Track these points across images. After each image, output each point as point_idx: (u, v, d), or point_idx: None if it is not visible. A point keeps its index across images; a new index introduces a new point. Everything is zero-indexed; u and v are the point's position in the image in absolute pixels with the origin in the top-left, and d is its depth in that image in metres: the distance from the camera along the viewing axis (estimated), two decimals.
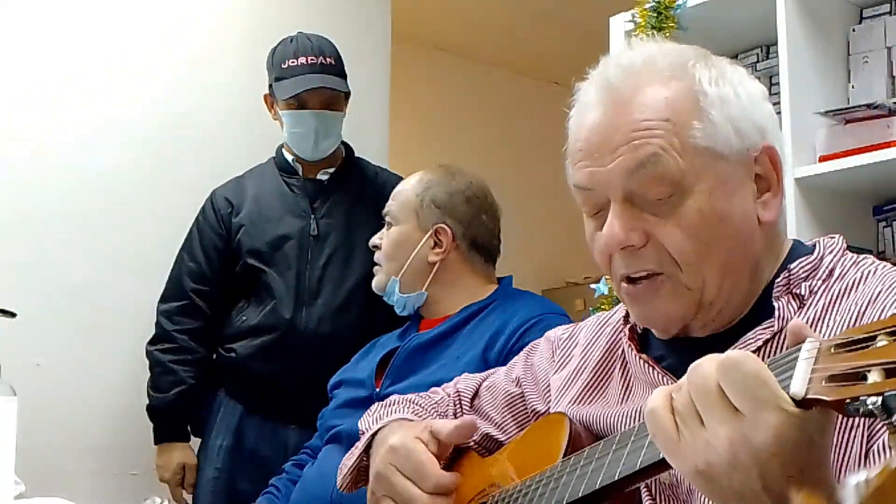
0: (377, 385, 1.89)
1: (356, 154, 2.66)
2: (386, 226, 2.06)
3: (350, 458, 1.32)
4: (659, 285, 1.00)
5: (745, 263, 1.00)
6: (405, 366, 1.87)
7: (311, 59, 2.48)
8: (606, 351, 1.17)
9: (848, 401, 0.67)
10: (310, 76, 2.46)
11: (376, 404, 1.42)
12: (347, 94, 2.56)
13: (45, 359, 2.65)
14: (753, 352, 0.96)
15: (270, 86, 2.55)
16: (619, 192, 0.99)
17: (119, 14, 2.91)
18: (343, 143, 2.68)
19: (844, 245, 1.05)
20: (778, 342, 0.97)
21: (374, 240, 2.08)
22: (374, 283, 2.08)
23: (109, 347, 2.77)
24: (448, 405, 1.38)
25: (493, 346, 1.78)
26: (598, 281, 2.13)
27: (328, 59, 2.50)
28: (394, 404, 1.38)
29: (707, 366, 0.76)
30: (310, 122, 2.48)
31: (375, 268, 2.08)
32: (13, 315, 1.61)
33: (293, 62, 2.49)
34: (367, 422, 1.37)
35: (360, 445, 1.31)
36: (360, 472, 1.30)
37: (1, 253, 2.63)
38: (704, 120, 0.98)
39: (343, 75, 2.53)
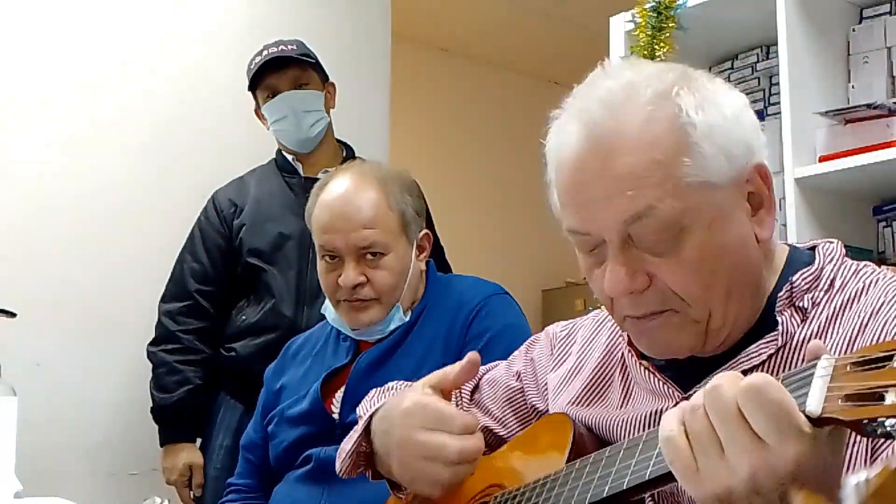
0: (328, 409, 1.78)
1: (357, 155, 2.66)
2: (368, 257, 1.77)
3: (349, 442, 1.30)
4: (666, 320, 0.98)
5: (747, 286, 0.99)
6: (362, 387, 1.72)
7: (271, 50, 2.56)
8: (605, 353, 1.17)
9: (865, 421, 0.67)
10: (266, 60, 2.54)
11: (374, 390, 1.40)
12: (325, 78, 2.62)
13: (45, 359, 2.65)
14: (757, 366, 0.96)
15: (255, 98, 2.62)
16: (615, 236, 0.96)
17: (119, 15, 2.91)
18: (343, 143, 2.68)
19: (843, 251, 1.04)
20: (782, 357, 0.96)
21: (354, 278, 1.76)
22: (365, 321, 1.79)
23: (109, 347, 2.77)
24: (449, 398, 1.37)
25: (450, 348, 1.75)
26: None
27: (289, 47, 2.56)
28: (392, 388, 1.38)
29: (727, 390, 0.75)
30: (284, 104, 2.53)
31: (357, 304, 1.78)
32: (13, 315, 1.62)
33: (256, 59, 2.57)
34: (365, 406, 1.36)
35: (358, 428, 1.29)
36: (360, 456, 1.29)
37: (1, 253, 2.63)
38: (694, 154, 0.94)
39: (309, 56, 2.57)
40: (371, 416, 1.27)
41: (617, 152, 0.94)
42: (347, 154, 2.65)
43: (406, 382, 1.39)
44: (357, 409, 1.39)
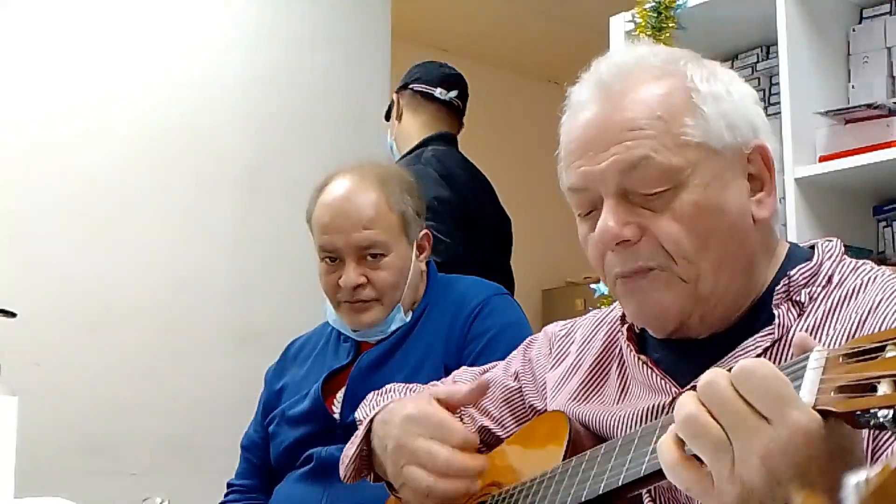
0: (329, 409, 1.78)
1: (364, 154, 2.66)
2: (368, 258, 1.76)
3: (351, 448, 1.30)
4: (653, 278, 0.99)
5: (740, 258, 1.00)
6: (362, 388, 1.71)
7: None
8: (603, 349, 1.17)
9: (858, 412, 0.66)
10: None
11: (372, 393, 1.41)
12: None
13: (45, 359, 2.66)
14: None
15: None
16: (612, 188, 0.98)
17: (124, 14, 2.91)
18: None
19: (842, 249, 1.04)
20: (778, 350, 0.97)
21: (355, 278, 1.75)
22: (366, 321, 1.79)
23: (109, 347, 2.77)
24: None
25: (451, 348, 1.75)
26: (598, 281, 2.12)
27: None
28: (391, 391, 1.37)
29: (720, 379, 0.73)
30: None
31: (358, 305, 1.78)
32: (13, 315, 1.62)
33: None
34: (364, 410, 1.36)
35: (359, 434, 1.29)
36: (361, 460, 1.29)
37: (1, 253, 2.63)
38: (697, 115, 0.98)
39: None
40: (372, 420, 1.27)
41: (621, 107, 0.99)
42: None
43: (403, 385, 1.39)
44: (356, 413, 1.39)
